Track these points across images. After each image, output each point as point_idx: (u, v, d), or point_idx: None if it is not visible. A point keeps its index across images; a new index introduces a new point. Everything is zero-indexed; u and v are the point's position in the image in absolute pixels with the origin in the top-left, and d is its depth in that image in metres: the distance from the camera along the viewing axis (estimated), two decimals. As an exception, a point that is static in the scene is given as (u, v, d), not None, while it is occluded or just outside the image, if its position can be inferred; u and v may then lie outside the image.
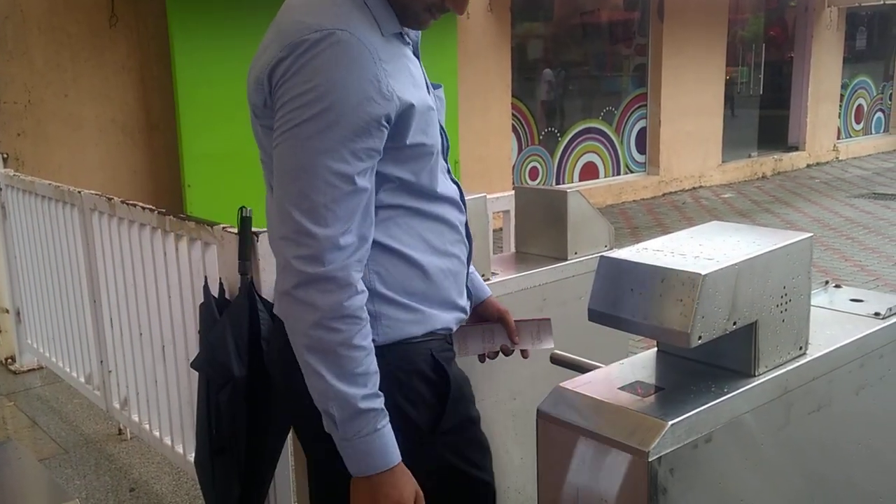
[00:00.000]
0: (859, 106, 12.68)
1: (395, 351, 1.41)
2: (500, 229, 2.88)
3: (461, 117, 7.22)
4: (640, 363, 1.49)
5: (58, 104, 5.73)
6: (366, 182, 1.32)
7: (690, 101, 9.94)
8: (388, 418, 1.35)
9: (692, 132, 10.06)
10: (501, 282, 2.08)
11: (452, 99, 7.07)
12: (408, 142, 1.38)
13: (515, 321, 1.71)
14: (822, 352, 1.52)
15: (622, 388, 1.38)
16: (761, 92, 11.30)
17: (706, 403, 1.31)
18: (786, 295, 1.42)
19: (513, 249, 2.45)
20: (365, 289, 1.34)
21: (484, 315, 1.72)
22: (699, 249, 1.39)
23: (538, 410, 1.39)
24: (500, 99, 8.18)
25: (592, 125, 9.38)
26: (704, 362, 1.46)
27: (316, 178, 1.28)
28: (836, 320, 1.69)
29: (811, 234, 1.47)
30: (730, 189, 10.19)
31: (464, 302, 1.54)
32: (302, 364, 1.33)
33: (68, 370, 3.99)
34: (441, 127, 1.49)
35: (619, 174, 9.69)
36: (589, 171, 9.39)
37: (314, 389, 1.32)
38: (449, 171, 1.53)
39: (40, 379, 4.48)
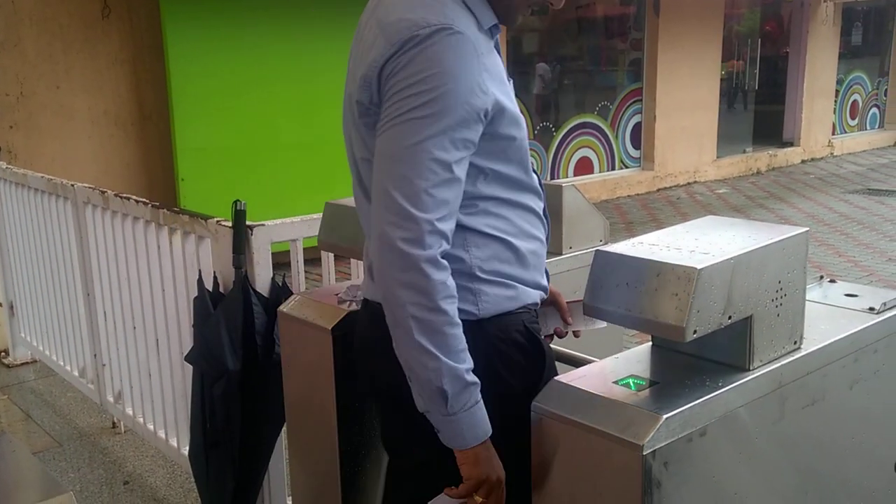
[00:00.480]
0: (854, 101, 12.70)
1: (493, 323, 1.49)
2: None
3: (456, 111, 7.21)
4: (635, 357, 1.49)
5: (50, 96, 5.70)
6: (461, 172, 1.40)
7: (685, 97, 9.94)
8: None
9: (687, 127, 10.07)
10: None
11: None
12: (501, 134, 1.46)
13: (568, 302, 1.76)
14: (817, 346, 1.52)
15: (617, 382, 1.38)
16: (756, 87, 11.31)
17: (701, 397, 1.31)
18: (781, 289, 1.42)
19: (508, 243, 2.44)
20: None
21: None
22: (695, 244, 1.39)
23: (533, 404, 1.39)
24: (495, 93, 8.19)
25: (587, 120, 9.37)
26: (699, 356, 1.46)
27: (419, 164, 1.35)
28: (830, 315, 1.69)
29: (807, 230, 1.47)
30: (724, 184, 10.20)
31: (545, 282, 1.65)
32: (411, 346, 1.36)
33: (62, 364, 3.98)
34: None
35: (613, 169, 9.70)
36: (584, 166, 9.40)
37: (426, 369, 1.36)
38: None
39: (34, 372, 4.47)
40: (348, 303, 1.85)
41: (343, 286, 1.94)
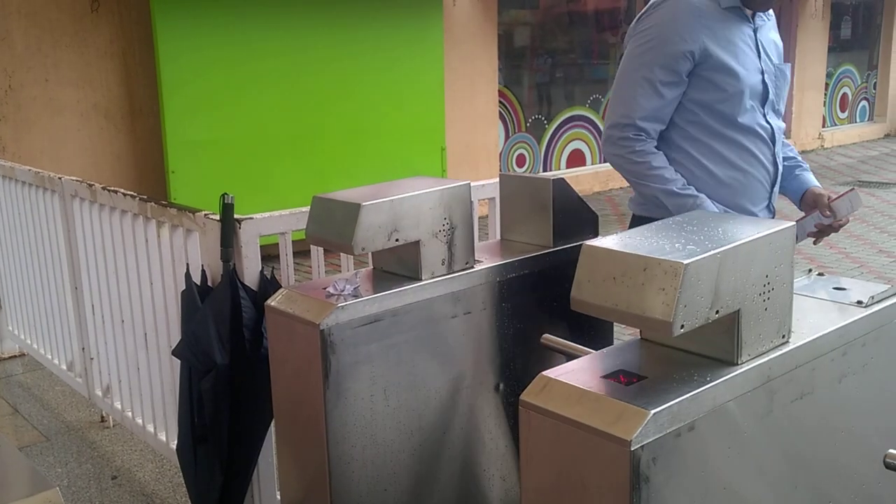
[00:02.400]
0: (844, 94, 12.72)
1: None
2: (486, 216, 2.87)
3: (447, 104, 7.19)
4: (624, 351, 1.49)
5: (39, 89, 5.65)
6: (667, 91, 2.11)
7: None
8: None
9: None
10: (486, 270, 2.07)
11: (438, 85, 7.04)
12: (707, 76, 2.10)
13: (830, 202, 2.23)
14: (805, 340, 1.52)
15: (605, 377, 1.37)
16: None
17: (689, 392, 1.31)
18: (768, 283, 1.42)
19: (498, 237, 2.43)
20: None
21: (808, 203, 2.31)
22: (681, 238, 1.38)
23: (521, 400, 1.38)
24: (486, 86, 8.16)
25: (579, 112, 9.37)
26: (688, 351, 1.46)
27: (633, 82, 2.13)
28: (819, 309, 1.69)
29: (794, 223, 1.46)
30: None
31: (758, 209, 2.21)
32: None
33: (50, 357, 3.96)
34: (765, 82, 2.18)
35: (605, 161, 9.68)
36: (576, 159, 9.39)
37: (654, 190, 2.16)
38: (767, 115, 2.21)
39: (22, 366, 4.44)
40: (336, 297, 1.84)
41: (332, 280, 1.93)
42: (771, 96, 2.20)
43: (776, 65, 2.24)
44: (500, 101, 8.42)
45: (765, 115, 2.20)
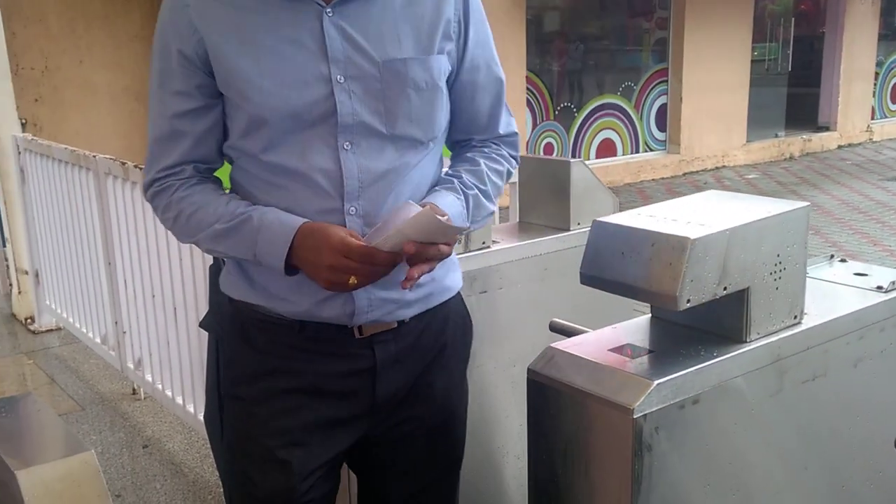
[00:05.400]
0: (895, 85, 12.40)
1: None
2: (507, 208, 2.89)
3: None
4: (633, 327, 1.51)
5: (73, 71, 5.78)
6: (183, 124, 1.40)
7: (714, 77, 9.77)
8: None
9: (715, 110, 9.91)
10: (502, 250, 2.10)
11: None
12: (225, 94, 1.39)
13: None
14: (818, 322, 1.53)
15: (612, 350, 1.40)
16: (790, 69, 11.06)
17: (694, 366, 1.33)
18: (780, 263, 1.43)
19: (517, 220, 2.46)
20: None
21: None
22: (692, 216, 1.40)
23: (528, 370, 1.41)
24: (513, 72, 8.10)
25: (610, 101, 9.29)
26: (697, 328, 1.47)
27: (151, 114, 1.45)
28: (836, 293, 1.69)
29: (807, 204, 1.47)
30: (754, 170, 10.06)
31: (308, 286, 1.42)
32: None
33: (85, 331, 4.08)
34: (334, 97, 1.35)
35: (637, 152, 9.61)
36: (606, 148, 9.32)
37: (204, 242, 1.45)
38: (348, 146, 1.36)
39: (58, 339, 4.57)
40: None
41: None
42: (357, 118, 1.35)
43: (384, 62, 1.36)
44: (527, 88, 8.38)
45: (338, 149, 1.35)
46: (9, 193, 4.57)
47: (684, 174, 9.71)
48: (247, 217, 1.35)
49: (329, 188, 1.36)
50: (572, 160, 2.23)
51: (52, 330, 4.67)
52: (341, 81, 1.34)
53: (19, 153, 4.44)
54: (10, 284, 4.96)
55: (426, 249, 1.29)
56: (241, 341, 1.52)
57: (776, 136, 10.96)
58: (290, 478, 1.46)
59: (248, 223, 1.35)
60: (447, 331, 1.54)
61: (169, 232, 1.52)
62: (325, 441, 1.48)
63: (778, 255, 1.42)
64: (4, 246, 4.97)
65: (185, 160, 1.41)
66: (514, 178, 2.76)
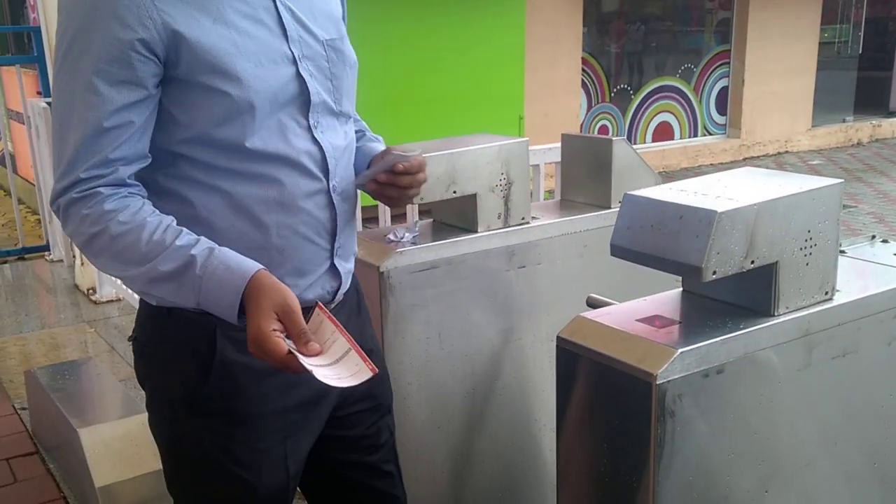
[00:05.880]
0: None
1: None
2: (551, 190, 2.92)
3: (527, 71, 7.12)
4: (663, 300, 1.54)
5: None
6: (126, 115, 1.25)
7: (779, 60, 9.51)
8: None
9: (780, 93, 9.67)
10: (542, 226, 2.14)
11: (518, 52, 6.98)
12: (187, 82, 1.27)
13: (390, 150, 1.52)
14: (851, 299, 1.53)
15: (640, 321, 1.43)
16: (861, 51, 10.71)
17: (719, 336, 1.35)
18: (810, 239, 1.44)
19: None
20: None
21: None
22: (722, 191, 1.42)
23: (558, 337, 1.46)
24: (569, 53, 8.04)
25: (669, 83, 9.15)
26: (726, 301, 1.49)
27: (65, 110, 1.28)
28: (873, 272, 1.69)
29: (841, 181, 1.47)
30: (819, 155, 9.81)
31: (308, 280, 1.42)
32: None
33: (144, 302, 4.23)
34: (301, 77, 1.36)
35: (696, 136, 9.46)
36: (663, 132, 9.20)
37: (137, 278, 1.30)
38: (316, 128, 1.39)
39: (118, 310, 4.76)
40: (396, 243, 1.94)
41: (393, 228, 2.04)
42: (318, 97, 1.38)
43: (327, 41, 1.40)
44: (583, 70, 8.30)
45: (312, 129, 1.38)
46: (75, 168, 4.75)
47: (744, 159, 9.53)
48: (190, 259, 1.22)
49: (314, 169, 1.37)
50: (615, 138, 2.24)
51: (112, 301, 4.87)
52: (301, 61, 1.36)
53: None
54: (74, 257, 5.17)
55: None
56: (231, 350, 1.36)
57: (844, 121, 10.65)
58: (286, 471, 1.46)
59: (191, 266, 1.22)
60: (358, 291, 1.62)
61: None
62: (309, 424, 1.48)
63: (808, 231, 1.43)
64: (70, 219, 5.18)
65: (120, 157, 1.25)
66: (557, 157, 2.79)
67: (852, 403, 1.58)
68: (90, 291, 4.93)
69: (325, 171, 1.39)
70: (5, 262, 5.72)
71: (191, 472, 1.45)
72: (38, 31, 5.28)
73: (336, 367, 1.19)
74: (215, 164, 1.31)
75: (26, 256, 5.80)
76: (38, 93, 5.86)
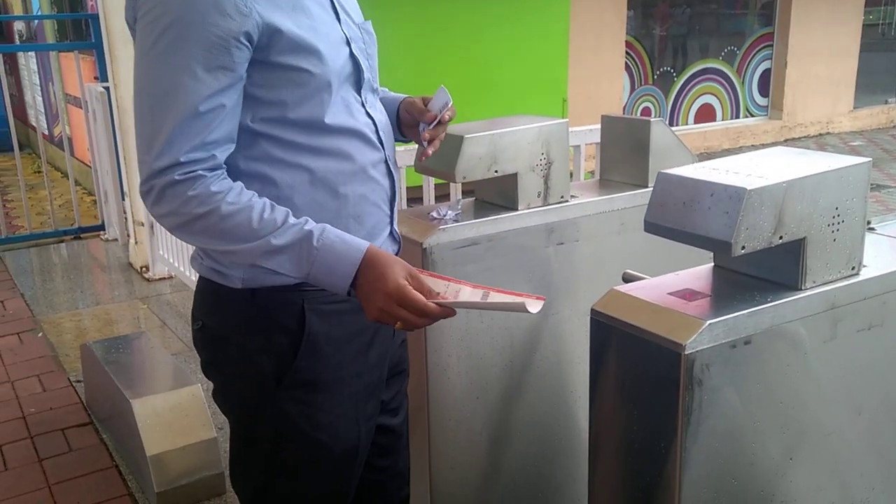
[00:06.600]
0: None
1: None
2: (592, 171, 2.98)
3: (571, 55, 7.17)
4: (695, 274, 1.60)
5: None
6: (222, 98, 1.33)
7: (821, 42, 9.42)
8: None
9: (822, 75, 9.57)
10: (580, 204, 2.20)
11: (562, 36, 7.02)
12: (274, 64, 1.36)
13: (426, 103, 1.67)
14: (877, 273, 1.58)
15: (671, 294, 1.50)
16: (906, 34, 10.56)
17: (747, 309, 1.42)
18: (838, 216, 1.49)
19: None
20: None
21: (406, 122, 1.70)
22: (753, 169, 1.47)
23: (591, 310, 1.53)
24: (613, 37, 8.06)
25: (712, 65, 9.10)
26: (755, 276, 1.55)
27: (162, 97, 1.32)
28: (902, 249, 1.73)
29: (869, 160, 1.52)
30: (860, 137, 9.69)
31: (378, 241, 1.55)
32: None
33: (194, 279, 4.38)
34: (354, 56, 1.48)
35: (738, 117, 9.40)
36: (706, 114, 9.16)
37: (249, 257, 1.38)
38: (367, 103, 1.52)
39: (170, 287, 4.93)
40: (439, 221, 2.03)
41: (436, 206, 2.12)
42: (366, 74, 1.51)
43: (360, 24, 1.54)
44: (626, 53, 8.30)
45: (364, 105, 1.51)
46: (129, 150, 4.93)
47: (786, 140, 9.45)
48: (306, 233, 1.33)
49: (375, 140, 1.51)
50: (652, 119, 2.30)
51: (164, 278, 5.04)
52: (352, 42, 1.48)
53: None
54: (128, 235, 5.36)
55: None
56: (319, 323, 1.48)
57: (886, 102, 10.48)
58: (357, 432, 1.57)
59: (308, 240, 1.33)
60: None
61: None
62: (376, 387, 1.63)
63: (836, 208, 1.48)
64: (124, 199, 5.37)
65: (215, 140, 1.32)
66: (597, 138, 2.84)
67: (878, 375, 1.64)
68: (143, 269, 5.11)
69: (381, 142, 1.53)
70: (62, 242, 5.95)
71: (271, 443, 1.53)
72: (95, 18, 5.45)
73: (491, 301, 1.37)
74: (296, 142, 1.40)
75: (82, 236, 6.02)
76: (96, 78, 6.05)
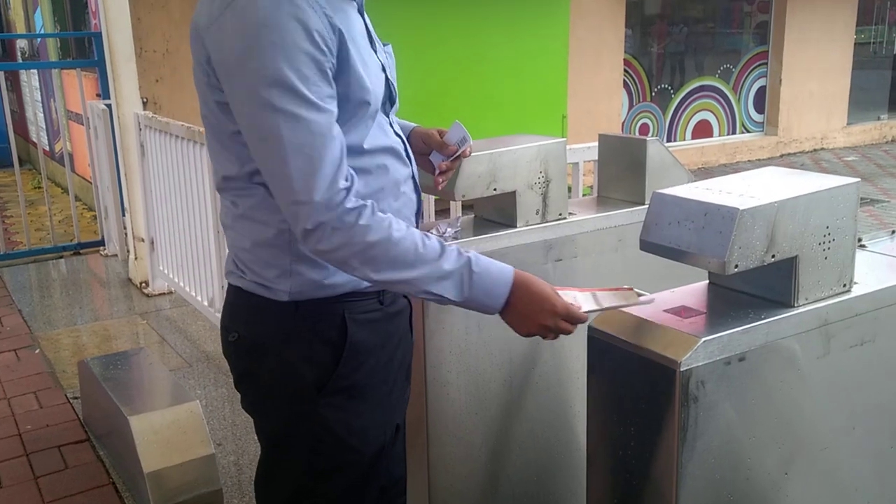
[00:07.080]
0: None
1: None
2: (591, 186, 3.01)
3: (571, 72, 7.25)
4: (690, 292, 1.63)
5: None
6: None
7: (815, 60, 9.54)
8: None
9: (816, 92, 9.67)
10: (578, 221, 2.24)
11: (562, 55, 7.10)
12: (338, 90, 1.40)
13: (442, 136, 1.76)
14: (868, 290, 1.61)
15: (667, 311, 1.53)
16: (896, 52, 10.69)
17: (741, 326, 1.45)
18: (829, 234, 1.52)
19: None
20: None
21: (418, 149, 1.75)
22: (746, 189, 1.51)
23: (589, 327, 1.56)
24: (611, 55, 8.15)
25: (708, 83, 9.18)
26: (749, 293, 1.59)
27: (290, 120, 1.36)
28: (891, 265, 1.76)
29: (857, 180, 1.55)
30: (854, 152, 9.77)
31: None
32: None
33: (194, 294, 4.41)
34: (389, 82, 1.55)
35: (734, 133, 9.47)
36: (702, 130, 9.23)
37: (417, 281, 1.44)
38: (393, 123, 1.60)
39: (169, 302, 4.95)
40: (439, 237, 2.06)
41: (436, 223, 2.16)
42: (395, 96, 1.59)
43: (384, 50, 1.61)
44: (625, 70, 8.38)
45: (391, 125, 1.57)
46: (130, 166, 4.96)
47: (781, 156, 9.53)
48: (466, 258, 1.42)
49: (406, 158, 1.59)
50: (649, 139, 2.34)
51: (164, 293, 5.06)
52: (386, 69, 1.55)
53: (140, 129, 4.81)
54: (128, 251, 5.38)
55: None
56: (357, 330, 1.54)
57: (878, 118, 10.60)
58: (384, 435, 1.62)
59: (468, 265, 1.42)
60: None
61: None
62: (402, 392, 1.71)
63: (827, 227, 1.52)
64: (124, 215, 5.39)
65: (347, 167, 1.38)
66: (595, 155, 2.88)
67: (871, 389, 1.66)
68: (143, 285, 5.13)
69: (409, 159, 1.61)
70: (61, 257, 5.97)
71: (308, 449, 1.56)
72: (98, 36, 5.50)
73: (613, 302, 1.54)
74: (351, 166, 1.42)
75: (82, 251, 6.04)
76: (98, 95, 6.10)
